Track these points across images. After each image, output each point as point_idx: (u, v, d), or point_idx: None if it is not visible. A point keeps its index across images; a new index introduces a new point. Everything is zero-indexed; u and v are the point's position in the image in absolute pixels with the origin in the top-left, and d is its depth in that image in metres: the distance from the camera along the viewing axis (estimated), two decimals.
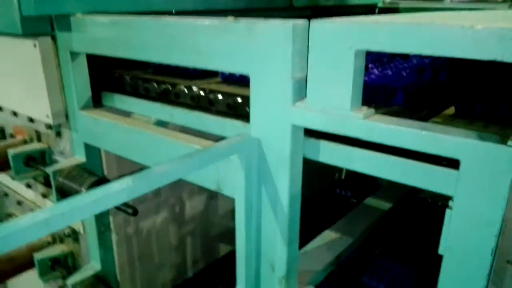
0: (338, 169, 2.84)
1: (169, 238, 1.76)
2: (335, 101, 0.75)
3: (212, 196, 1.91)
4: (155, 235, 1.69)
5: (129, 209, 1.17)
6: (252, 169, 0.89)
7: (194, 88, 1.15)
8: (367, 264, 1.77)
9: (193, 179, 1.04)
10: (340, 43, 0.72)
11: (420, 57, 1.41)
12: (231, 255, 2.14)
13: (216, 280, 1.92)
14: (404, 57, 1.43)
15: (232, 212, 2.13)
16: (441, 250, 0.71)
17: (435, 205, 2.43)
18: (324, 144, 0.85)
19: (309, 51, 0.77)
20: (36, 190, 1.67)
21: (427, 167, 0.72)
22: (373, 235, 1.84)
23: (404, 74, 1.18)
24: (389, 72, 1.20)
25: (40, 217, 0.52)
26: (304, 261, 1.02)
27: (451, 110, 0.94)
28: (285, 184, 0.88)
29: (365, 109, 0.74)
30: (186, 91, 1.17)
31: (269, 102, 0.83)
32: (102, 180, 1.29)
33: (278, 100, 0.82)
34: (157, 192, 1.65)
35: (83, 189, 1.26)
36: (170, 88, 1.22)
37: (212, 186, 0.99)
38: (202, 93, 1.13)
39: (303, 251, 0.96)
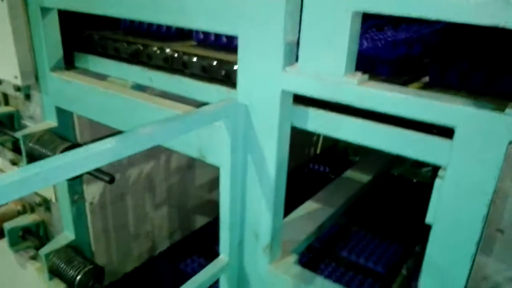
0: (314, 145, 2.86)
1: (144, 208, 1.72)
2: (329, 66, 0.72)
3: (190, 166, 1.87)
4: (130, 205, 1.65)
5: (106, 176, 1.12)
6: (238, 136, 0.86)
7: (168, 50, 1.10)
8: (346, 240, 1.81)
9: (175, 146, 1.00)
10: (336, 4, 0.69)
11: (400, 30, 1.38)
12: (207, 227, 2.13)
13: (192, 251, 1.91)
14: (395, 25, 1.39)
15: (208, 184, 2.10)
16: (429, 220, 0.70)
17: (409, 182, 2.49)
18: (312, 112, 0.82)
19: (302, 12, 0.73)
20: (4, 157, 1.58)
21: (420, 136, 0.70)
22: (350, 211, 1.87)
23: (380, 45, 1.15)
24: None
25: (14, 178, 0.47)
26: (286, 231, 1.01)
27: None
28: (272, 152, 0.85)
29: (359, 74, 0.71)
30: (159, 52, 1.11)
31: (258, 66, 0.79)
32: (75, 146, 1.23)
33: (268, 64, 0.78)
34: (132, 162, 1.59)
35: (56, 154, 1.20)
36: (142, 49, 1.15)
37: (194, 154, 0.96)
38: (175, 54, 1.08)
39: (284, 221, 0.95)
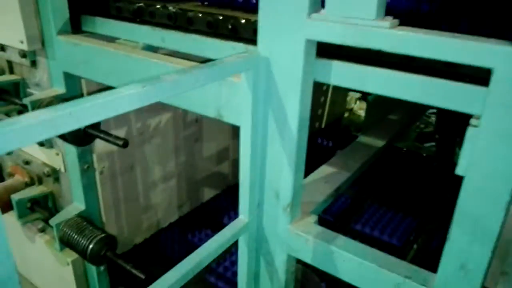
0: (319, 119, 2.83)
1: (154, 180, 1.70)
2: (358, 11, 0.68)
3: (197, 139, 1.85)
4: (140, 176, 1.63)
5: (119, 140, 1.10)
6: (259, 91, 0.83)
7: (171, 7, 1.07)
8: (360, 213, 1.79)
9: (193, 106, 0.97)
10: None
11: None
12: (215, 199, 2.12)
13: (200, 223, 1.90)
14: None
15: (216, 156, 2.08)
16: (460, 171, 0.68)
17: (416, 155, 2.48)
18: (336, 64, 0.80)
19: None
20: None
21: (452, 85, 0.68)
22: (362, 184, 1.86)
23: None
24: None
25: (46, 116, 0.45)
26: (303, 192, 0.99)
27: None
28: (294, 108, 0.82)
29: (390, 18, 0.68)
30: (162, 9, 1.08)
31: (281, 13, 0.76)
32: None
33: (292, 11, 0.75)
34: (141, 133, 1.57)
35: None
36: (144, 7, 1.12)
37: (212, 113, 0.93)
38: (179, 10, 1.05)
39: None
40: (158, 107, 1.60)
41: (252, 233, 0.95)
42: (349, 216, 1.77)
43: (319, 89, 2.65)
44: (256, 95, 0.83)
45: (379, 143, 1.32)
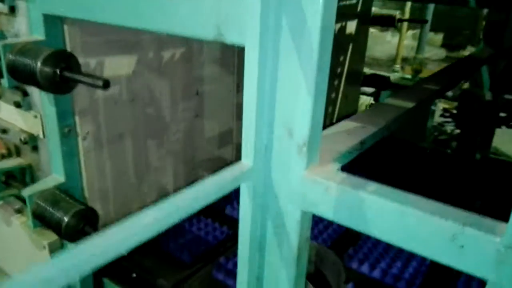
0: (329, 116, 2.65)
1: (147, 155, 1.51)
2: None
3: (197, 114, 1.66)
4: (130, 148, 1.44)
5: (99, 81, 0.92)
6: None
7: None
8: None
9: (187, 30, 0.79)
10: None
11: None
12: None
13: (199, 211, 1.70)
14: None
15: (218, 138, 1.89)
16: None
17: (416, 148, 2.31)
18: None
19: None
20: None
21: None
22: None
23: None
24: None
25: None
26: (323, 141, 0.80)
27: None
28: (316, 14, 0.64)
29: None
30: None
31: None
32: (63, 53, 1.03)
33: None
34: (133, 97, 1.39)
35: (38, 63, 0.99)
36: None
37: (210, 34, 0.75)
38: None
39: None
40: (154, 71, 1.42)
41: (258, 182, 0.75)
42: None
43: (330, 84, 2.49)
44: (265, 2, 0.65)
45: (408, 104, 1.13)
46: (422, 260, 1.42)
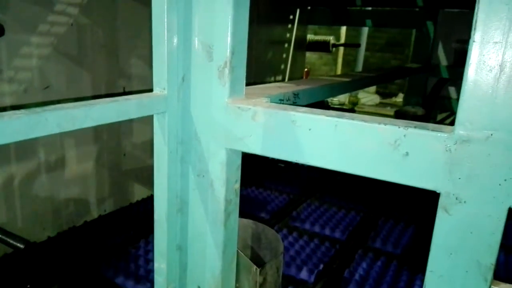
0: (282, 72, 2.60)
1: (64, 160, 1.33)
2: None
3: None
4: (44, 151, 1.26)
5: None
6: None
7: None
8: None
9: None
10: None
11: None
12: (148, 201, 1.75)
13: (127, 227, 1.52)
14: None
15: (150, 145, 1.75)
16: None
17: None
18: None
19: None
20: None
21: None
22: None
23: None
24: None
25: None
26: (252, 91, 0.71)
27: None
28: None
29: None
30: None
31: None
32: None
33: None
34: (47, 85, 1.24)
35: None
36: None
37: None
38: None
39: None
40: (74, 60, 1.29)
41: (174, 115, 0.64)
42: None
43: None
44: None
45: (343, 79, 1.08)
46: None
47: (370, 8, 3.34)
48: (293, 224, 1.84)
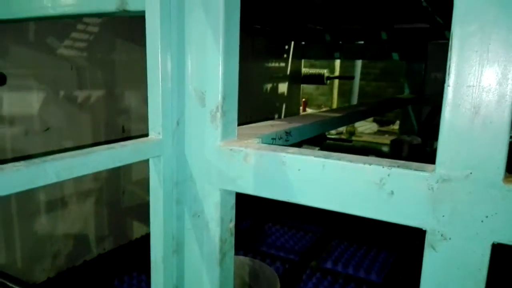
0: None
1: (63, 196, 1.35)
2: None
3: None
4: (42, 187, 1.28)
5: None
6: None
7: None
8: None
9: (91, 6, 0.73)
10: None
11: None
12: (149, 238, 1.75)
13: (127, 266, 1.51)
14: None
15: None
16: None
17: None
18: None
19: None
20: None
21: None
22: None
23: None
24: None
25: None
26: (245, 130, 0.74)
27: None
28: None
29: None
30: None
31: None
32: None
33: None
34: (49, 125, 1.27)
35: None
36: None
37: (112, 6, 0.70)
38: None
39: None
40: (74, 102, 1.33)
41: (169, 157, 0.66)
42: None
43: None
44: None
45: (336, 114, 1.12)
46: None
47: (362, 42, 3.44)
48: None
